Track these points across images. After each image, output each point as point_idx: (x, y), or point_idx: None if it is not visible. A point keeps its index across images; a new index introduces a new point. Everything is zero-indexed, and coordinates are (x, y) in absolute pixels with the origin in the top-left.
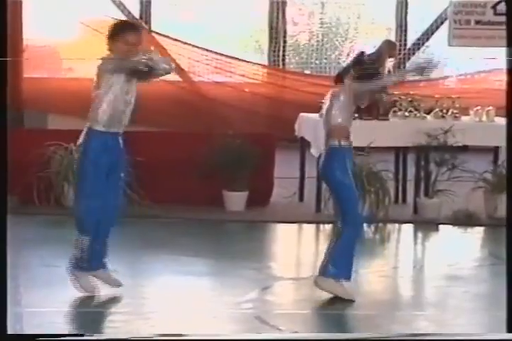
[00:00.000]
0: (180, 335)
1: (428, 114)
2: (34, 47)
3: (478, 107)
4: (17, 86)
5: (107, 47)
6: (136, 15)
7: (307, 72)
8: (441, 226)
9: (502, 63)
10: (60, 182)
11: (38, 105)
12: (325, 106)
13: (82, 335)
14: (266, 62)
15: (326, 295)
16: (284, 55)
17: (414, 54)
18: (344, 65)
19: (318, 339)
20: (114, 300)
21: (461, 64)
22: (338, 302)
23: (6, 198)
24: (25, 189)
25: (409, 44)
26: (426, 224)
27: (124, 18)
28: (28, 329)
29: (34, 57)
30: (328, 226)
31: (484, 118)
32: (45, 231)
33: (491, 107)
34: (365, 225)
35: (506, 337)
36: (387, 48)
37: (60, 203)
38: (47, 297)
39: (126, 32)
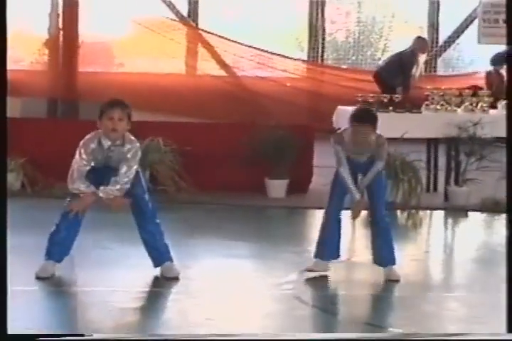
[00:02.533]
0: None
1: (458, 107)
2: (89, 43)
3: (506, 101)
4: (72, 80)
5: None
6: (185, 13)
7: (344, 67)
8: (470, 213)
9: None
10: None
11: (91, 97)
12: None
13: (82, 335)
14: (306, 58)
15: (360, 277)
16: (322, 52)
17: (445, 51)
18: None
19: (319, 339)
20: (163, 280)
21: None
22: (373, 283)
23: (5, 197)
24: None
25: (440, 41)
26: (456, 211)
27: (172, 15)
28: (82, 308)
29: (89, 53)
30: (364, 213)
31: None
32: (97, 216)
33: None
34: (398, 211)
35: (506, 337)
36: (419, 45)
37: None
38: (100, 277)
39: (109, 109)
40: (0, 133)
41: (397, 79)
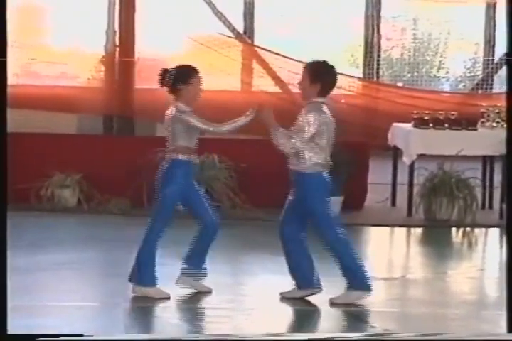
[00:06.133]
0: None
1: None
2: (145, 60)
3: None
4: (129, 96)
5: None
6: (240, 30)
7: (399, 84)
8: None
9: None
10: None
11: (147, 114)
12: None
13: (81, 335)
14: (361, 75)
15: (416, 295)
16: (378, 69)
17: (501, 68)
18: None
19: (320, 339)
20: (218, 297)
21: None
22: (428, 301)
23: (6, 199)
24: (136, 192)
25: (496, 58)
26: None
27: (228, 32)
28: (137, 323)
29: (145, 70)
30: (419, 230)
31: None
32: None
33: None
34: (453, 229)
35: (506, 337)
36: None
37: None
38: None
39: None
40: (0, 147)
41: None
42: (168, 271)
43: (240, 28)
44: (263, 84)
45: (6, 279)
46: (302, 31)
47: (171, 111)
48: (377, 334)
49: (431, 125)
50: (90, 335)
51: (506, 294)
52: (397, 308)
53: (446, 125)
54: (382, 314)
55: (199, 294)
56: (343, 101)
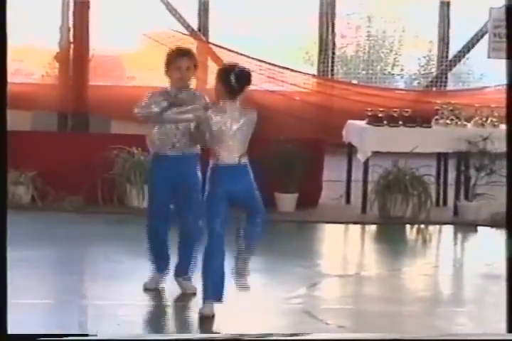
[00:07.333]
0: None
1: (468, 122)
2: (99, 56)
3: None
4: (83, 93)
5: (165, 74)
6: (195, 27)
7: (354, 81)
8: (479, 228)
9: None
10: (122, 183)
11: (102, 111)
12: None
13: (86, 335)
14: (315, 73)
15: (371, 292)
16: (332, 66)
17: (455, 65)
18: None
19: (319, 340)
20: (174, 295)
21: (500, 75)
22: (382, 298)
23: (5, 197)
24: (90, 189)
25: (450, 56)
26: (465, 226)
27: (183, 29)
28: (92, 321)
29: (99, 66)
30: (374, 227)
31: None
32: (107, 229)
33: None
34: (408, 226)
35: (506, 337)
36: None
37: (122, 203)
38: (111, 290)
39: (176, 59)
40: (0, 147)
41: None
42: (121, 267)
43: (195, 25)
44: None
45: (6, 279)
46: (257, 28)
47: None
48: (377, 335)
49: (385, 122)
50: (94, 335)
51: (506, 294)
52: (352, 305)
53: (401, 122)
54: (337, 311)
55: (156, 292)
56: (297, 98)
